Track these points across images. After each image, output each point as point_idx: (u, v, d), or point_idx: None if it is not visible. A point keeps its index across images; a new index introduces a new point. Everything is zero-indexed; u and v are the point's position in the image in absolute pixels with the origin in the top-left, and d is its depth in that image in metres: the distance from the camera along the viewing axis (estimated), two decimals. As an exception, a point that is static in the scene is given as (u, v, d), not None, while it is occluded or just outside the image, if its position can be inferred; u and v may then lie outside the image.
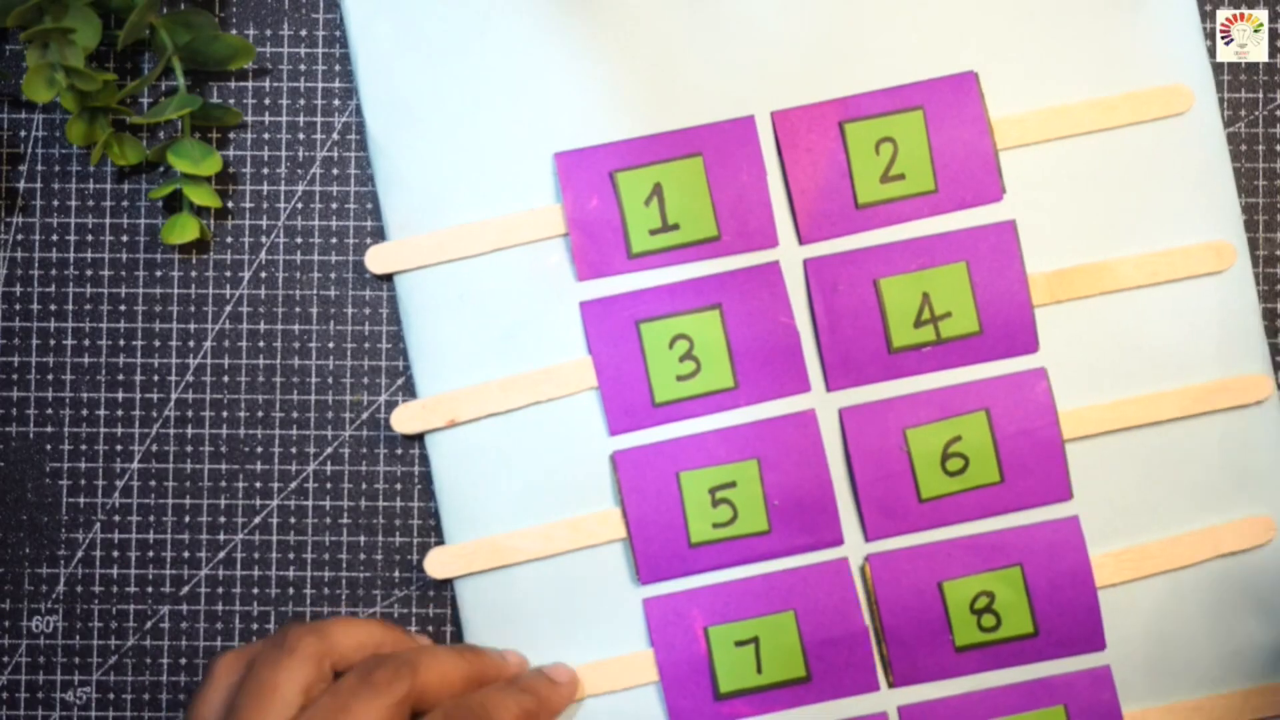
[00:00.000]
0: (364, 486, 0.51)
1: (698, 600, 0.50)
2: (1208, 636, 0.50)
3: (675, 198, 0.50)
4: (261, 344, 0.51)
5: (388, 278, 0.51)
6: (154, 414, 0.51)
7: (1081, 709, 0.50)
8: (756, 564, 0.50)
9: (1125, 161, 0.50)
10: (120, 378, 0.51)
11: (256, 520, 0.51)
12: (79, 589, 0.51)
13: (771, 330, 0.50)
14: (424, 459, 0.51)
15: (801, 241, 0.50)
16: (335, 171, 0.51)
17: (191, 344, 0.51)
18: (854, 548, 0.50)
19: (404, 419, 0.50)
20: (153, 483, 0.51)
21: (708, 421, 0.50)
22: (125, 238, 0.51)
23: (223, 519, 0.51)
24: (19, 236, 0.51)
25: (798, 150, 0.50)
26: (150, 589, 0.51)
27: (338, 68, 0.51)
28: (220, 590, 0.51)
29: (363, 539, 0.51)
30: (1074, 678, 0.50)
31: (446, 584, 0.51)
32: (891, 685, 0.50)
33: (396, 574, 0.51)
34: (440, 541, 0.51)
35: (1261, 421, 0.51)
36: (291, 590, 0.51)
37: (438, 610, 0.51)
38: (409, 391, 0.51)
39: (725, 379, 0.50)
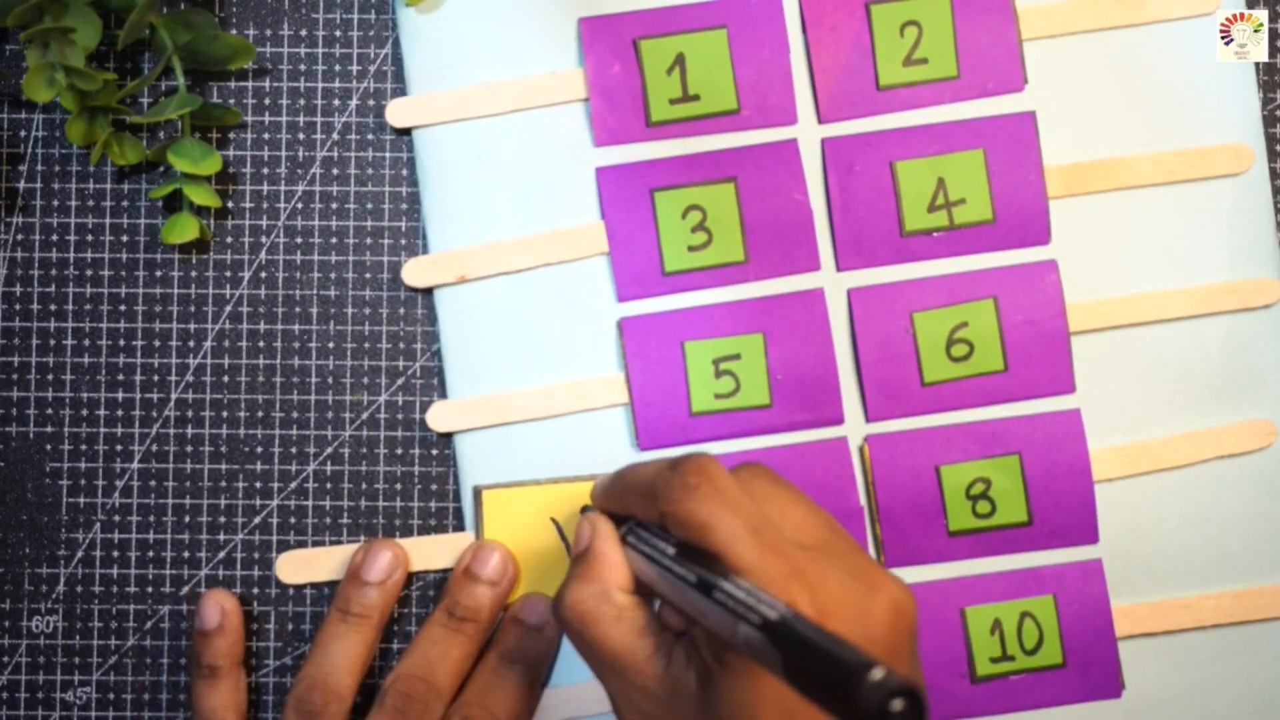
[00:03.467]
0: (364, 486, 0.51)
1: None
2: (1201, 537, 0.51)
3: (697, 69, 0.50)
4: (261, 344, 0.51)
5: (396, 276, 0.51)
6: (154, 414, 0.51)
7: (1070, 600, 0.50)
8: (756, 437, 0.50)
9: (1148, 59, 0.51)
10: (120, 378, 0.51)
11: (256, 520, 0.51)
12: (79, 589, 0.51)
13: (785, 206, 0.50)
14: (424, 459, 0.51)
15: (820, 120, 0.51)
16: (335, 171, 0.51)
17: (191, 344, 0.51)
18: (854, 427, 0.51)
19: (414, 272, 0.50)
20: (153, 483, 0.51)
21: (716, 294, 0.50)
22: (125, 238, 0.51)
23: (223, 519, 0.51)
24: (19, 236, 0.51)
25: (822, 29, 0.50)
26: (150, 589, 0.51)
27: (338, 68, 0.51)
28: (220, 590, 0.51)
29: (363, 539, 0.51)
30: (1065, 569, 0.50)
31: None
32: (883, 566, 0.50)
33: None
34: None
35: (1268, 325, 0.51)
36: (291, 590, 0.51)
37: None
38: (409, 392, 0.51)
39: (736, 252, 0.50)
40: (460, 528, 0.51)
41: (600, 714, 0.50)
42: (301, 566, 0.51)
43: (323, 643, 0.49)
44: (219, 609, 0.50)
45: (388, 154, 0.51)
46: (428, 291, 0.51)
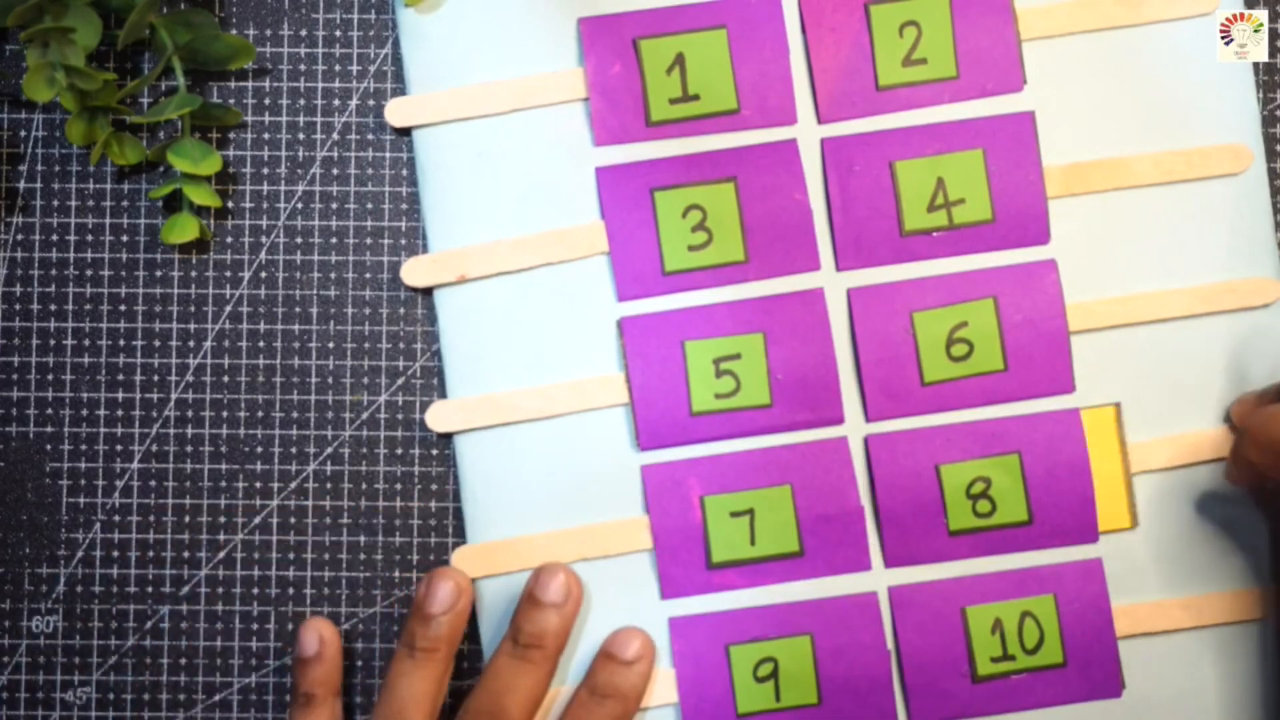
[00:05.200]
0: (364, 486, 0.51)
1: (696, 469, 0.50)
2: (1201, 537, 0.51)
3: (697, 69, 0.50)
4: (261, 344, 0.51)
5: (396, 276, 0.51)
6: (154, 414, 0.51)
7: (1070, 599, 0.50)
8: (756, 437, 0.50)
9: (1147, 59, 0.51)
10: (120, 378, 0.51)
11: (256, 520, 0.51)
12: (79, 589, 0.51)
13: (785, 206, 0.50)
14: (425, 459, 0.51)
15: (820, 120, 0.51)
16: (335, 171, 0.51)
17: (191, 344, 0.51)
18: (854, 427, 0.51)
19: (414, 272, 0.50)
20: (153, 483, 0.51)
21: (716, 294, 0.50)
22: (125, 238, 0.51)
23: (223, 519, 0.51)
24: (19, 236, 0.51)
25: (822, 29, 0.51)
26: (150, 589, 0.51)
27: (338, 68, 0.51)
28: (220, 590, 0.51)
29: (363, 539, 0.51)
30: (1065, 568, 0.50)
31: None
32: (884, 565, 0.50)
33: (396, 574, 0.51)
34: (453, 540, 0.51)
35: (1266, 325, 0.51)
36: (291, 590, 0.51)
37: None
38: (409, 392, 0.51)
39: (736, 252, 0.50)
40: (460, 529, 0.51)
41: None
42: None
43: (391, 682, 0.49)
44: (318, 637, 0.49)
45: (388, 154, 0.51)
46: (428, 291, 0.51)
